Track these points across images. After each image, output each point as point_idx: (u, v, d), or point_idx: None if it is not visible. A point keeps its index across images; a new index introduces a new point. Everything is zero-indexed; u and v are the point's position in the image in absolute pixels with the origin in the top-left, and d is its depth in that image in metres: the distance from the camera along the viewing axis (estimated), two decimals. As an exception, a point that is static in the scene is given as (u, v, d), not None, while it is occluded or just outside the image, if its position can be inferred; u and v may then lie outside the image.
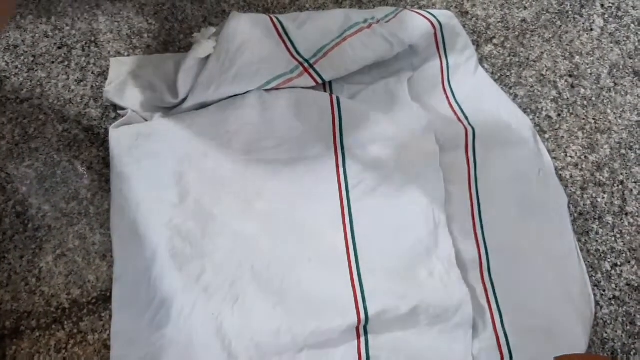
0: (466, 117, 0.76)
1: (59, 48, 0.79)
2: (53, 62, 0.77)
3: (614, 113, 0.81)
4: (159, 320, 0.61)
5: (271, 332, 0.59)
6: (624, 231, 0.73)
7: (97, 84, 0.76)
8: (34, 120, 0.74)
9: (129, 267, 0.64)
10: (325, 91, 0.76)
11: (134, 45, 0.80)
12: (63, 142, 0.73)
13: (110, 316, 0.63)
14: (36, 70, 0.77)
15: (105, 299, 0.65)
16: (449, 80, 0.80)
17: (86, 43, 0.79)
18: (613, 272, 0.71)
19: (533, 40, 0.85)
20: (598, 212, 0.74)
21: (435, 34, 0.78)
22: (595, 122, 0.80)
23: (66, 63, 0.78)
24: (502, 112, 0.77)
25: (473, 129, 0.74)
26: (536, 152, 0.75)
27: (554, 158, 0.76)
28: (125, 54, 0.79)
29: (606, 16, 0.88)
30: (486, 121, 0.75)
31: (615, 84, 0.83)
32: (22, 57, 0.77)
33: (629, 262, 0.71)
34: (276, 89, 0.74)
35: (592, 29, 0.87)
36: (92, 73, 0.77)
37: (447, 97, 0.79)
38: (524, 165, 0.73)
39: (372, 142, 0.72)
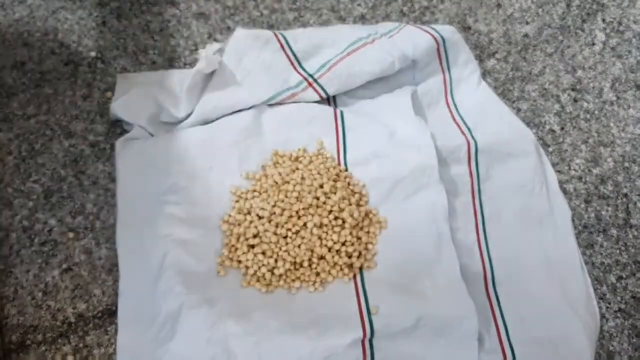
0: (469, 130, 0.76)
1: (66, 65, 0.80)
2: (59, 79, 0.78)
3: (617, 126, 0.81)
4: (164, 335, 0.61)
5: (277, 347, 0.59)
6: (628, 244, 0.73)
7: (103, 99, 0.77)
8: (41, 136, 0.74)
9: (134, 281, 0.65)
10: (329, 105, 0.77)
11: (140, 61, 0.81)
12: (69, 157, 0.73)
13: (116, 330, 0.63)
14: (43, 87, 0.78)
15: (111, 313, 0.65)
16: (452, 94, 0.80)
17: (92, 59, 0.80)
18: (618, 284, 0.71)
19: (535, 55, 0.86)
20: (602, 224, 0.74)
21: (438, 48, 0.79)
22: (599, 136, 0.80)
23: (72, 79, 0.78)
24: (505, 126, 0.77)
25: (476, 142, 0.74)
26: (539, 165, 0.75)
27: (558, 171, 0.77)
28: (131, 70, 0.80)
29: (607, 31, 0.89)
30: (489, 134, 0.76)
31: (618, 98, 0.83)
32: (29, 74, 0.78)
33: (634, 274, 0.71)
34: (280, 103, 0.74)
35: (594, 44, 0.88)
36: (98, 89, 0.78)
37: (450, 111, 0.79)
38: (527, 178, 0.74)
39: (374, 158, 0.72)
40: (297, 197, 0.69)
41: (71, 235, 0.69)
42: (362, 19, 0.88)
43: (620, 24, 0.90)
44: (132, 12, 0.85)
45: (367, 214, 0.69)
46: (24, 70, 0.79)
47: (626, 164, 0.78)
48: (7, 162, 0.72)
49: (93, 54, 0.81)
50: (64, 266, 0.67)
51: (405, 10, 0.88)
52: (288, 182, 0.70)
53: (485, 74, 0.83)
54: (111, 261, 0.67)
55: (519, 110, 0.81)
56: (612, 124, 0.81)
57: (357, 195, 0.70)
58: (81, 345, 0.63)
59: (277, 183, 0.70)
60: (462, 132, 0.76)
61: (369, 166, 0.72)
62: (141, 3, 0.85)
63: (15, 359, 0.62)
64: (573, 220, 0.73)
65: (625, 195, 0.76)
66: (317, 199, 0.68)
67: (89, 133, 0.75)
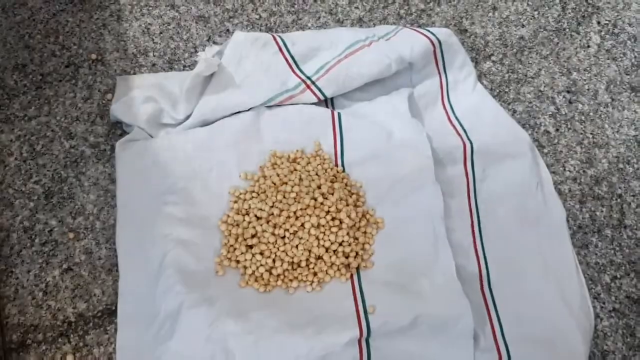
0: (465, 132, 0.77)
1: (67, 66, 0.80)
2: (60, 81, 0.79)
3: (612, 128, 0.82)
4: (163, 334, 0.61)
5: (275, 346, 0.59)
6: (622, 244, 0.74)
7: (104, 101, 0.78)
8: (42, 137, 0.75)
9: (134, 281, 0.65)
10: (327, 107, 0.78)
11: (140, 63, 0.81)
12: (70, 158, 0.74)
13: (116, 330, 0.64)
14: (44, 89, 0.78)
15: (110, 312, 0.65)
16: (448, 96, 0.81)
17: (93, 61, 0.81)
18: (613, 284, 0.71)
19: (531, 57, 0.87)
20: (597, 225, 0.75)
21: (434, 51, 0.79)
22: (593, 137, 0.81)
23: (73, 81, 0.79)
24: (501, 127, 0.78)
25: (471, 143, 0.75)
26: (534, 166, 0.76)
27: (553, 172, 0.77)
28: (131, 72, 0.81)
29: (603, 33, 0.90)
30: (485, 136, 0.76)
31: (613, 100, 0.84)
32: (31, 76, 0.79)
33: (628, 274, 0.72)
34: (278, 105, 0.75)
35: (589, 46, 0.89)
36: (99, 91, 0.79)
37: (447, 113, 0.80)
38: (522, 178, 0.74)
39: (371, 159, 0.73)
40: (295, 198, 0.69)
41: (71, 235, 0.69)
42: (359, 21, 0.88)
43: (615, 26, 0.91)
44: (132, 14, 0.85)
45: (364, 215, 0.70)
46: (25, 72, 0.79)
47: (620, 165, 0.79)
48: (8, 163, 0.73)
49: (94, 56, 0.81)
50: (65, 266, 0.68)
51: (402, 13, 0.89)
52: (286, 183, 0.71)
53: (481, 76, 0.84)
54: (111, 261, 0.68)
55: (514, 112, 0.82)
56: (606, 126, 0.82)
57: (354, 196, 0.71)
58: (81, 344, 0.64)
59: (275, 184, 0.71)
60: (458, 134, 0.77)
61: (366, 167, 0.73)
62: (141, 6, 0.86)
63: (16, 358, 0.63)
64: (568, 221, 0.74)
65: (620, 196, 0.77)
66: (315, 199, 0.69)
67: (89, 134, 0.76)
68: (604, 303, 0.70)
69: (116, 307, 0.65)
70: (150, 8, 0.86)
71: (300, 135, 0.74)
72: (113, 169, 0.73)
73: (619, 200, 0.77)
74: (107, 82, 0.79)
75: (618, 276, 0.72)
